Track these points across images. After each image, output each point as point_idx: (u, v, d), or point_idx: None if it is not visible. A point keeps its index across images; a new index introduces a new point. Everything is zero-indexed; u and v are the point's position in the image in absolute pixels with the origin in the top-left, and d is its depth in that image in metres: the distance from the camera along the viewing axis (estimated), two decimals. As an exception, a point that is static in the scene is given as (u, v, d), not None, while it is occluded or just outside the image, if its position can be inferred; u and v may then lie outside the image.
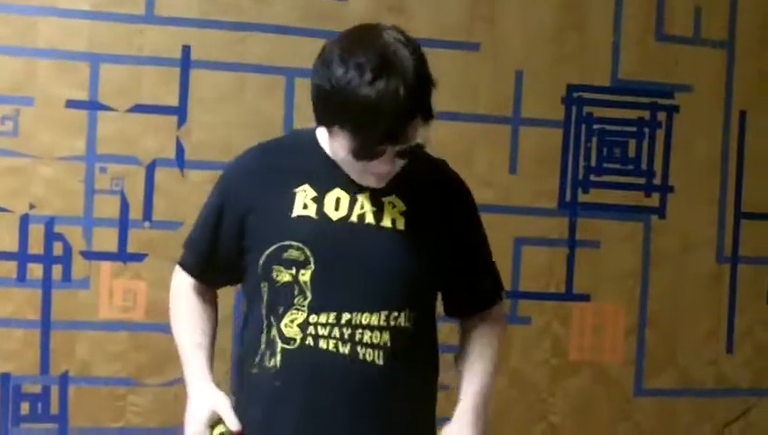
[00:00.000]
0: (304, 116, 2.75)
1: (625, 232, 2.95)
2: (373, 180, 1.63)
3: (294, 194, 1.65)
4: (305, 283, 1.62)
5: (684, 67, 2.97)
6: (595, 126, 2.94)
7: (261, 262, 1.65)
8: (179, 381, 2.66)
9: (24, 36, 2.62)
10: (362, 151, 1.57)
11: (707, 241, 2.99)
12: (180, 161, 2.72)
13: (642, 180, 2.97)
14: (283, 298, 1.63)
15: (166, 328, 2.63)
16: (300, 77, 2.76)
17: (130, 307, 2.69)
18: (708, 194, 3.00)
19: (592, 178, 2.95)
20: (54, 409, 2.66)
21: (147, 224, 2.71)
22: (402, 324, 1.64)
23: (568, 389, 2.92)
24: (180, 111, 2.72)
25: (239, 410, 1.68)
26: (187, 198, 2.70)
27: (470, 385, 1.70)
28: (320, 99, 1.59)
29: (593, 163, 2.95)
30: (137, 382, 2.69)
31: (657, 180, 2.97)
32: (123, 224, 2.69)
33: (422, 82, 1.58)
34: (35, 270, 2.65)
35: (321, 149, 1.68)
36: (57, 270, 2.66)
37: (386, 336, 1.62)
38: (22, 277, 2.64)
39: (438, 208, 1.70)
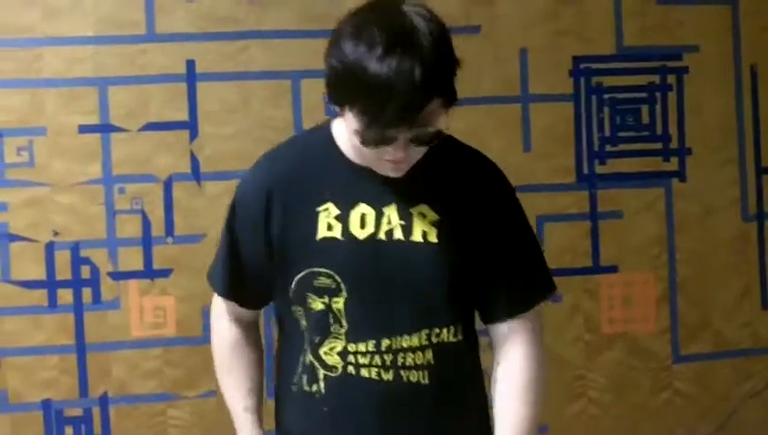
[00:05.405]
0: (314, 118, 2.79)
1: (646, 199, 2.91)
2: (389, 169, 1.48)
3: (317, 214, 1.52)
4: (339, 310, 1.52)
5: (689, 28, 2.91)
6: (605, 96, 2.90)
7: (293, 287, 1.55)
8: (216, 393, 2.71)
9: (31, 68, 2.66)
10: (370, 136, 1.41)
11: (731, 200, 2.94)
12: (196, 175, 2.74)
13: (659, 145, 2.93)
14: (320, 326, 1.54)
15: (198, 341, 2.71)
16: (306, 79, 2.78)
17: (161, 323, 2.72)
18: (727, 153, 2.95)
19: (608, 148, 2.91)
20: (98, 430, 2.69)
21: (170, 239, 2.73)
22: (445, 340, 1.55)
23: (604, 363, 2.89)
24: (191, 126, 2.74)
25: (285, 423, 1.63)
26: (206, 211, 2.73)
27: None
28: (331, 79, 1.43)
29: (607, 133, 2.91)
30: (175, 396, 2.72)
31: (673, 144, 2.93)
32: (147, 241, 2.72)
33: (442, 61, 1.40)
34: (65, 295, 2.69)
35: (336, 150, 1.53)
36: (87, 293, 2.69)
37: (429, 355, 1.53)
38: (53, 304, 2.68)
39: (473, 211, 1.54)
